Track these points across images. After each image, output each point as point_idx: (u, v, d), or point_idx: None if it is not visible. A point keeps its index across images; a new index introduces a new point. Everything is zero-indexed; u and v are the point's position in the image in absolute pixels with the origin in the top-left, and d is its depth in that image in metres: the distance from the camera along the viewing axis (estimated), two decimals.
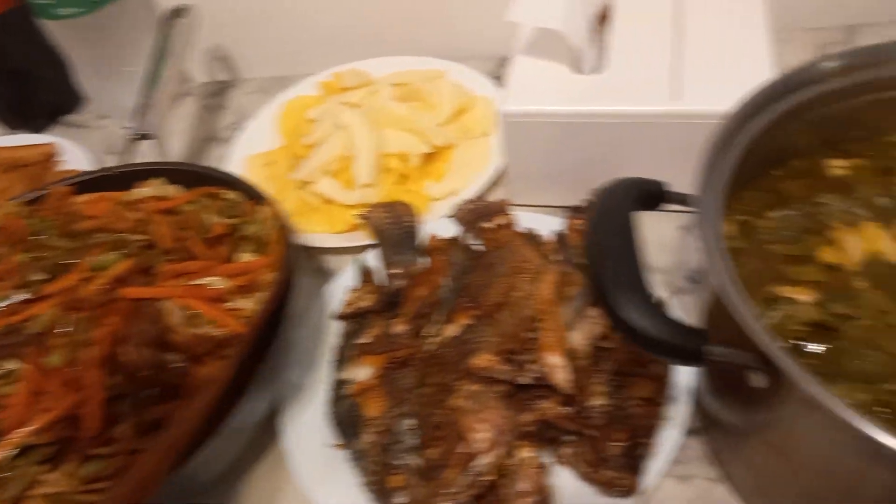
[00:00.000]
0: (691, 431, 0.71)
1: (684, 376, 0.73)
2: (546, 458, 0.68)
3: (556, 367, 0.67)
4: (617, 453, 0.65)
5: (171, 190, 0.89)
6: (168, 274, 0.77)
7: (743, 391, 0.59)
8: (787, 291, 0.61)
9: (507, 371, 0.68)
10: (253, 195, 0.89)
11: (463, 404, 0.65)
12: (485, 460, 0.62)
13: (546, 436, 0.68)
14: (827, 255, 0.63)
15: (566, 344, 0.69)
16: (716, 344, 0.50)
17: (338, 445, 0.76)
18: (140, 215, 0.84)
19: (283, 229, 0.84)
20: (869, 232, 0.64)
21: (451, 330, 0.75)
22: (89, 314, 0.72)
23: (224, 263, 0.80)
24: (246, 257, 0.82)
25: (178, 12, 1.15)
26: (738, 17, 0.91)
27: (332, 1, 1.24)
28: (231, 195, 0.90)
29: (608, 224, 0.55)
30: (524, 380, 0.67)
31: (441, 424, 0.65)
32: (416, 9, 1.22)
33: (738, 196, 0.68)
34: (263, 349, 0.72)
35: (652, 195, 0.60)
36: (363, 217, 0.94)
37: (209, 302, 0.75)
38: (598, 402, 0.69)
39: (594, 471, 0.64)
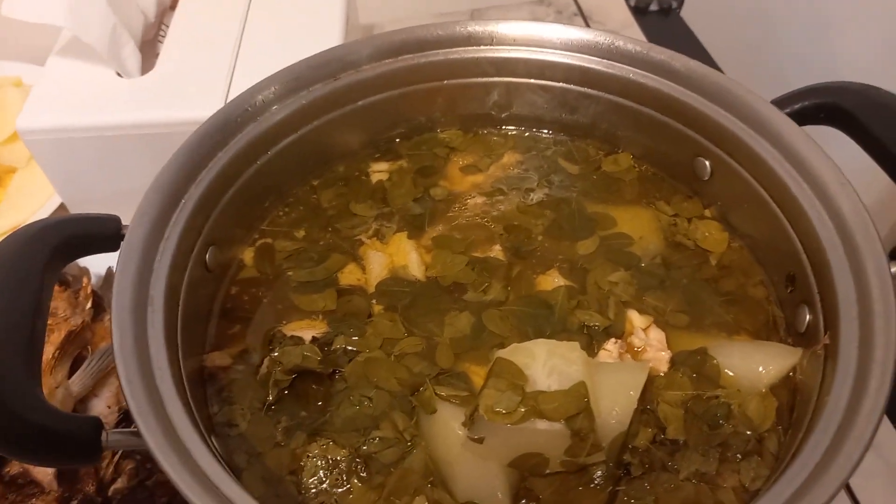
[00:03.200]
0: None
1: None
2: None
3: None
4: None
5: None
6: None
7: None
8: (292, 328, 0.52)
9: None
10: None
11: None
12: None
13: None
14: (347, 276, 0.55)
15: None
16: (116, 433, 0.39)
17: None
18: None
19: None
20: (396, 244, 0.57)
21: None
22: None
23: None
24: None
25: None
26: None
27: None
28: None
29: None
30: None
31: None
32: None
33: (256, 215, 0.58)
34: None
35: (97, 236, 0.47)
36: None
37: None
38: (119, 485, 0.56)
39: None
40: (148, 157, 0.73)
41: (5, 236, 0.45)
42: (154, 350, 0.41)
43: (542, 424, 0.40)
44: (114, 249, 0.48)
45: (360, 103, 0.60)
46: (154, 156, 0.73)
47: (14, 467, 0.53)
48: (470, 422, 0.41)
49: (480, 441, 0.41)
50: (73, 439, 0.37)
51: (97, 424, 0.38)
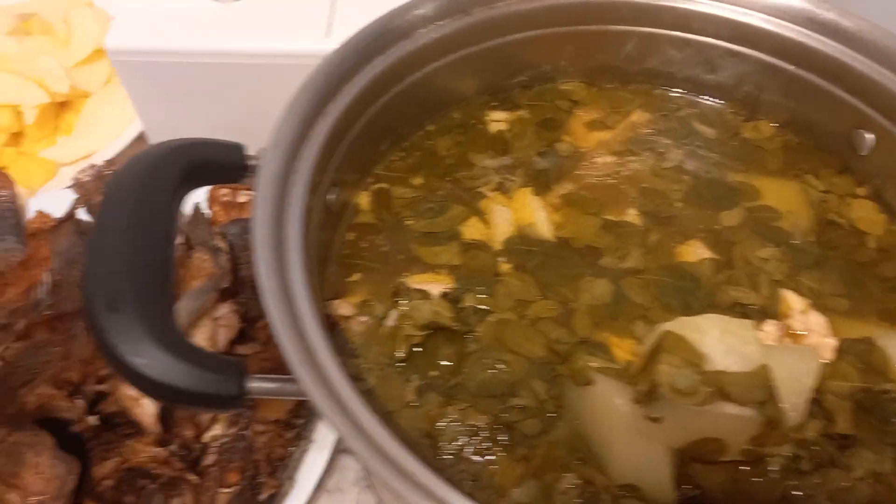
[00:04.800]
0: (346, 450, 0.58)
1: None
2: None
3: (136, 400, 0.50)
4: (225, 502, 0.49)
5: None
6: None
7: None
8: (417, 281, 0.48)
9: (71, 408, 0.49)
10: None
11: None
12: None
13: (139, 486, 0.51)
14: (470, 230, 0.51)
15: None
16: (261, 379, 0.35)
17: None
18: None
19: None
20: (521, 200, 0.53)
21: (17, 348, 0.55)
22: None
23: None
24: None
25: None
26: None
27: None
28: None
29: (120, 216, 0.37)
30: (91, 420, 0.49)
31: None
32: None
33: (371, 158, 0.54)
34: None
35: (221, 164, 0.43)
36: None
37: None
38: (215, 432, 0.53)
39: None
40: (237, 88, 0.70)
41: (138, 153, 0.41)
42: (297, 294, 0.37)
43: (731, 408, 0.36)
44: (235, 180, 0.45)
45: (486, 44, 0.56)
46: (244, 86, 0.70)
47: (110, 405, 0.50)
48: (646, 399, 0.38)
49: (657, 421, 0.37)
50: (215, 381, 0.34)
51: (240, 368, 0.35)
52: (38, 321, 0.57)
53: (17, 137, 0.79)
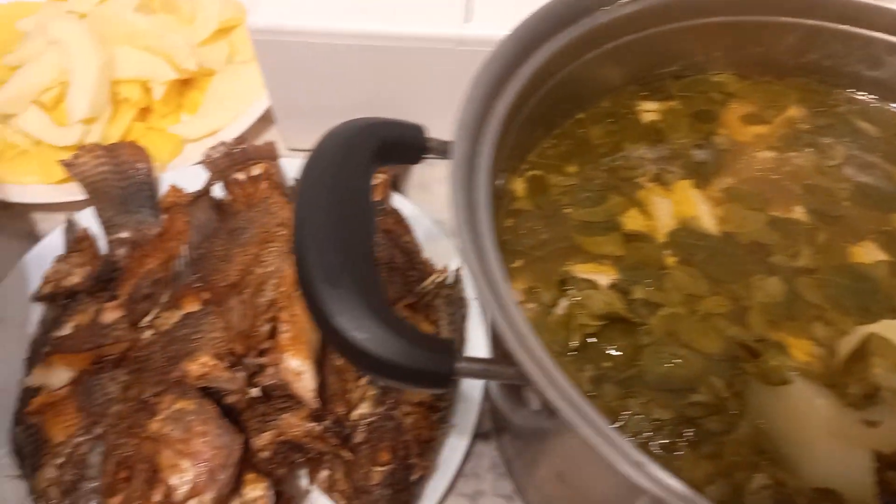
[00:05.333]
0: (481, 435, 0.58)
1: None
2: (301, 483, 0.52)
3: (298, 374, 0.50)
4: (378, 481, 0.50)
5: None
6: None
7: (525, 406, 0.46)
8: (582, 270, 0.48)
9: (234, 379, 0.50)
10: None
11: (163, 430, 0.47)
12: None
13: (291, 459, 0.52)
14: (631, 221, 0.51)
15: (312, 340, 0.52)
16: (469, 360, 0.35)
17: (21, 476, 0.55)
18: None
19: None
20: (681, 192, 0.52)
21: (173, 319, 0.56)
22: None
23: None
24: None
25: None
26: None
27: None
28: None
29: (322, 191, 0.37)
30: (253, 392, 0.50)
31: (128, 461, 0.47)
32: None
33: (525, 145, 0.54)
34: None
35: (405, 144, 0.43)
36: (67, 165, 0.71)
37: None
38: (363, 410, 0.53)
39: None
40: (371, 69, 0.70)
41: (330, 130, 0.41)
42: (498, 280, 0.37)
43: None
44: (414, 161, 0.45)
45: (642, 33, 0.55)
46: (378, 68, 0.70)
47: (266, 378, 0.51)
48: (863, 402, 0.37)
49: (874, 425, 0.36)
50: (430, 359, 0.34)
51: (451, 347, 0.35)
52: (185, 293, 0.58)
53: (144, 113, 0.81)
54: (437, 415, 0.55)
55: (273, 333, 0.52)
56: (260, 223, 0.62)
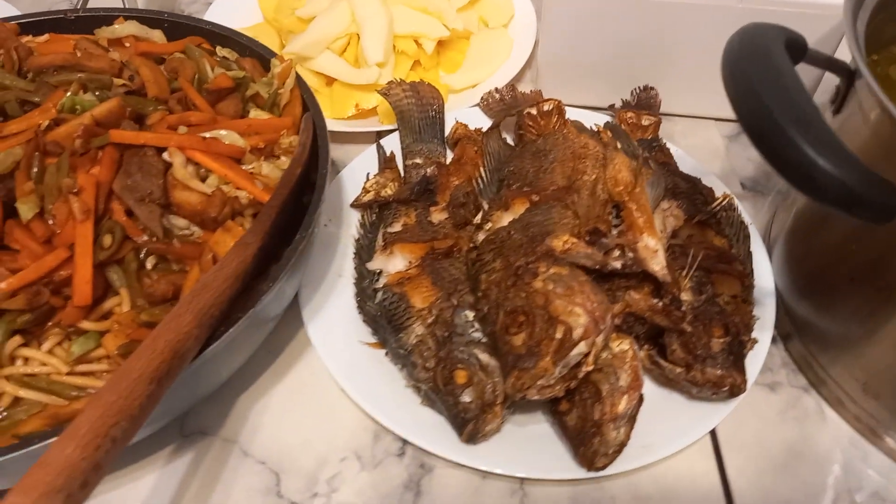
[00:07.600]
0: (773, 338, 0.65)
1: (765, 277, 0.66)
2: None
3: (654, 251, 0.58)
4: (719, 350, 0.57)
5: (156, 35, 0.72)
6: (164, 124, 0.62)
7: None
8: None
9: (592, 254, 0.58)
10: (254, 52, 0.74)
11: (547, 287, 0.55)
12: (583, 349, 0.52)
13: (635, 332, 0.60)
14: None
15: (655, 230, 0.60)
16: None
17: (371, 344, 0.64)
18: (118, 55, 0.67)
19: (300, 89, 0.70)
20: None
21: (508, 216, 0.65)
22: (65, 161, 0.56)
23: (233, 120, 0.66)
24: (258, 116, 0.67)
25: None
26: None
27: None
28: (224, 52, 0.75)
29: (762, 56, 0.46)
30: (615, 264, 0.58)
31: (523, 309, 0.55)
32: None
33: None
34: (291, 223, 0.59)
35: (797, 47, 0.52)
36: (383, 93, 0.81)
37: (221, 159, 0.60)
38: (686, 297, 0.61)
39: (699, 370, 0.56)
40: (644, 28, 0.79)
41: (742, 28, 0.50)
42: None
43: None
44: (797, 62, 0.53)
45: None
46: (650, 29, 0.79)
47: (614, 260, 0.59)
48: None
49: None
50: (885, 190, 0.42)
51: (891, 185, 0.42)
52: (515, 196, 0.67)
53: (416, 66, 0.91)
54: (750, 306, 0.62)
55: (621, 221, 0.61)
56: (563, 146, 0.71)
